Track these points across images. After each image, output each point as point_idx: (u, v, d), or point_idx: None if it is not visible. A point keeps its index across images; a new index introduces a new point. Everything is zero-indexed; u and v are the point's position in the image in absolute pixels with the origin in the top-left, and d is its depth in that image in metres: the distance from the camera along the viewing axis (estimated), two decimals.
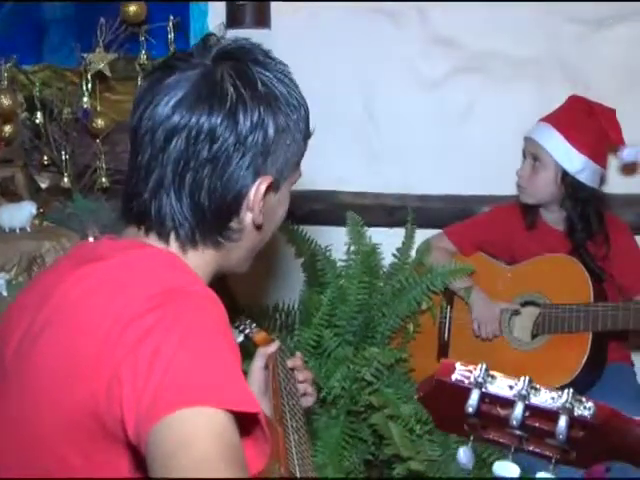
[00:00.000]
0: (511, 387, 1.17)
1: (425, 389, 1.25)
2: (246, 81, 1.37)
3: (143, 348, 1.16)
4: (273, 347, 2.03)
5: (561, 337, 2.86)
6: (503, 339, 2.97)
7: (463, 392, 1.19)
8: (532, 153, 2.95)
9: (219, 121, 1.34)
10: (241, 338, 2.14)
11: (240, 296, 3.15)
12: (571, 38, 3.31)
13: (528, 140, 2.97)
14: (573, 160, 2.88)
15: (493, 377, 1.20)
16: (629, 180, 3.31)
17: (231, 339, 1.25)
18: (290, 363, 2.03)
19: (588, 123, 2.92)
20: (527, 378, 1.17)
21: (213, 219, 1.40)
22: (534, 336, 2.95)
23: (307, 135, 1.47)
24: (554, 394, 1.15)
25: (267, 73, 1.40)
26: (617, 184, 3.26)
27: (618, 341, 3.00)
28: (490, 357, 2.94)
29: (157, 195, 1.38)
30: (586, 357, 2.79)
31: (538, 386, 1.16)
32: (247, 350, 2.00)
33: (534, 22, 3.31)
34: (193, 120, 1.34)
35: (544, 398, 1.15)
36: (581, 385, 2.79)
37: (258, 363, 2.00)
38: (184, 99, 1.35)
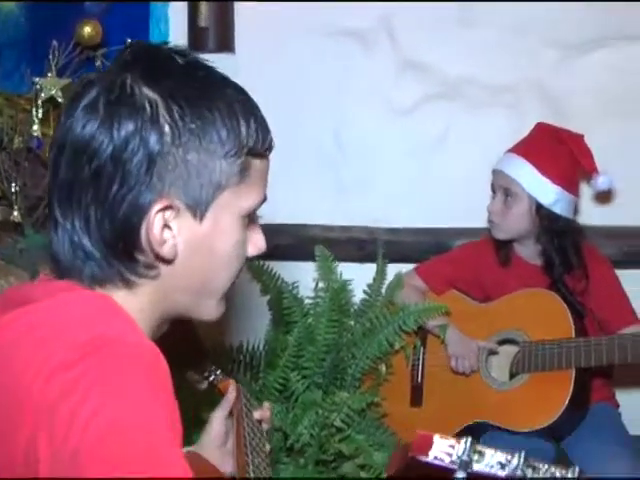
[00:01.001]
0: (503, 465, 0.99)
1: (396, 466, 1.05)
2: (128, 89, 1.20)
3: (61, 410, 1.03)
4: (235, 393, 1.85)
5: (542, 376, 2.72)
6: (480, 379, 2.82)
7: (444, 474, 0.99)
8: (503, 187, 2.81)
9: (94, 131, 1.18)
10: (205, 385, 1.96)
11: (201, 337, 2.97)
12: (549, 64, 3.22)
13: (497, 173, 2.84)
14: (547, 192, 2.77)
15: (481, 453, 1.00)
16: (608, 211, 3.20)
17: (166, 397, 1.10)
18: (257, 414, 1.85)
19: (558, 151, 2.82)
20: (523, 453, 0.99)
21: (114, 252, 1.22)
22: (512, 375, 2.80)
23: (239, 152, 1.25)
24: (557, 471, 0.97)
25: (166, 81, 1.22)
26: (595, 215, 3.13)
27: (602, 380, 2.87)
28: (468, 399, 2.82)
29: (58, 227, 1.23)
30: (569, 396, 2.65)
31: (536, 463, 0.98)
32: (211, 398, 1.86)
33: (510, 47, 3.22)
34: (71, 133, 1.20)
35: (543, 476, 0.97)
36: (564, 427, 2.70)
37: (220, 412, 1.81)
38: (69, 112, 1.22)
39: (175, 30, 3.32)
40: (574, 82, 3.23)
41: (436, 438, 1.00)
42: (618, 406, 2.94)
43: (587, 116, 3.19)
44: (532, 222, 2.80)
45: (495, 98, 3.25)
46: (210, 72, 1.29)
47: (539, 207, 2.78)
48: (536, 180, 2.76)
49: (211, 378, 1.89)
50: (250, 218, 1.31)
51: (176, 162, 1.20)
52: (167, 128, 1.19)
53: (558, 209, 2.78)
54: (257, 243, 1.35)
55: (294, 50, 3.35)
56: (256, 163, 1.28)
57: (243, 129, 1.25)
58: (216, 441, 1.76)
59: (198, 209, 1.23)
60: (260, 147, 1.28)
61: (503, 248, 2.90)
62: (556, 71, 3.23)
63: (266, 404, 1.92)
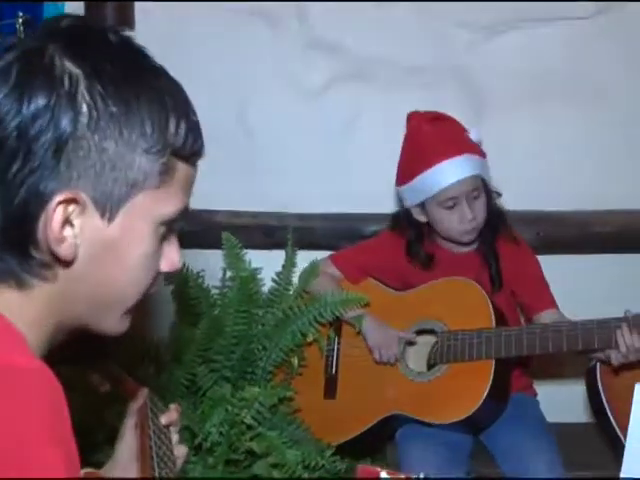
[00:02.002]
0: None
1: None
2: (47, 59, 1.06)
3: None
4: (140, 399, 1.68)
5: (461, 366, 2.64)
6: (398, 371, 2.72)
7: None
8: (468, 191, 2.66)
9: (1, 98, 1.04)
10: (107, 388, 1.79)
11: None
12: (462, 45, 3.14)
13: (462, 182, 2.64)
14: (485, 168, 2.72)
15: None
16: (522, 196, 3.13)
17: (56, 425, 0.98)
18: (164, 419, 1.69)
19: (457, 129, 2.74)
20: None
21: (7, 243, 1.07)
22: (431, 366, 2.71)
23: (163, 151, 1.11)
24: None
25: (93, 57, 1.08)
26: (510, 200, 3.05)
27: (520, 369, 2.81)
28: (384, 391, 2.71)
29: None
30: (489, 387, 2.57)
31: None
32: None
33: (423, 27, 3.12)
34: None
35: None
36: (484, 418, 2.63)
37: (130, 421, 1.65)
38: None
39: (71, 3, 3.12)
40: (488, 63, 3.16)
41: (383, 475, 0.86)
42: (536, 395, 2.89)
43: (501, 97, 3.14)
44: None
45: (409, 79, 3.15)
46: (144, 57, 1.16)
47: (487, 187, 2.73)
48: (482, 164, 2.70)
49: (113, 379, 1.72)
50: (168, 229, 1.17)
51: (89, 149, 1.05)
52: (85, 108, 1.04)
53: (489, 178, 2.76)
54: (171, 258, 1.21)
55: (197, 28, 3.19)
56: (181, 167, 1.14)
57: (171, 126, 1.11)
58: (130, 453, 1.60)
59: (108, 208, 1.08)
60: (188, 150, 1.14)
61: (421, 253, 2.79)
62: (469, 52, 3.16)
63: (173, 406, 1.75)
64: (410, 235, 2.80)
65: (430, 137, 2.69)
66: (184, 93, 1.17)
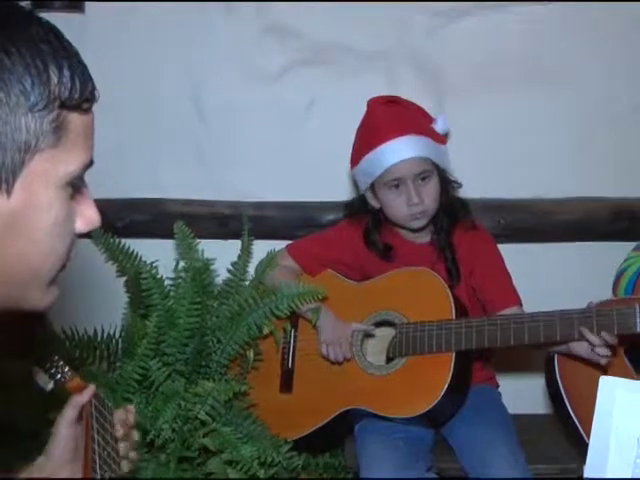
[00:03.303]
0: None
1: None
2: None
3: None
4: (86, 395, 1.59)
5: (420, 359, 2.57)
6: (355, 364, 2.65)
7: None
8: (415, 173, 2.60)
9: None
10: (51, 385, 1.69)
11: (48, 323, 2.71)
12: (421, 30, 3.08)
13: (407, 162, 2.58)
14: (443, 155, 2.66)
15: None
16: (483, 184, 3.09)
17: None
18: (118, 419, 1.60)
19: (418, 113, 2.69)
20: None
21: None
22: (390, 359, 2.64)
23: (50, 105, 1.01)
24: None
25: None
26: (470, 188, 3.00)
27: (482, 361, 2.76)
28: (342, 384, 2.65)
29: None
30: (449, 379, 2.50)
31: None
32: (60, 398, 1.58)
33: (381, 12, 3.05)
34: None
35: None
36: (445, 410, 2.57)
37: (68, 417, 1.54)
38: None
39: None
40: (446, 49, 3.11)
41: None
42: (498, 386, 2.85)
43: (461, 84, 3.10)
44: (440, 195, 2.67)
45: (366, 65, 3.09)
46: (10, 6, 1.04)
47: (442, 175, 2.67)
48: (434, 148, 2.63)
49: (58, 376, 1.62)
50: (75, 187, 1.08)
51: None
52: None
53: (447, 167, 2.71)
54: (87, 216, 1.12)
55: (149, 11, 3.10)
56: (75, 118, 1.04)
57: (54, 76, 1.01)
58: (66, 455, 1.51)
59: (2, 180, 0.99)
60: (78, 98, 1.03)
61: (378, 241, 2.74)
62: (426, 38, 3.10)
63: (129, 407, 1.67)
64: (367, 222, 2.74)
65: (380, 118, 2.65)
66: (61, 36, 1.05)
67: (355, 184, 2.86)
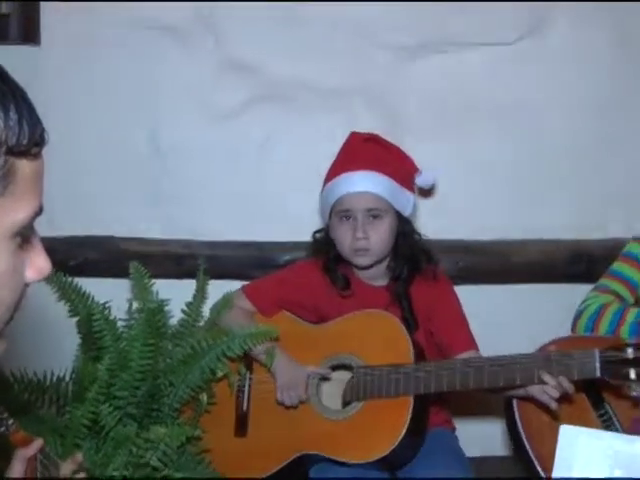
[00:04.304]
0: None
1: None
2: None
3: None
4: (32, 449, 1.53)
5: (377, 402, 2.52)
6: (311, 408, 2.59)
7: None
8: (365, 208, 2.59)
9: None
10: None
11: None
12: (380, 68, 3.09)
13: (358, 195, 2.58)
14: (406, 201, 2.65)
15: None
16: (441, 225, 3.07)
17: None
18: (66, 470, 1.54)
19: (393, 156, 2.67)
20: None
21: None
22: (347, 403, 2.59)
23: None
24: None
25: None
26: (429, 229, 2.97)
27: (438, 405, 2.72)
28: (297, 428, 2.58)
29: None
30: (407, 423, 2.45)
31: None
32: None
33: (342, 48, 3.06)
34: None
35: None
36: (403, 454, 2.51)
37: (16, 471, 1.49)
38: None
39: None
40: (407, 87, 3.12)
41: None
42: (454, 429, 2.81)
43: (422, 122, 3.11)
44: (394, 238, 2.64)
45: (326, 102, 3.08)
46: None
47: (399, 218, 2.65)
48: (396, 191, 2.61)
49: (1, 429, 1.55)
50: (23, 236, 1.02)
51: None
52: None
53: (410, 214, 2.70)
54: (38, 265, 1.07)
55: (106, 45, 3.08)
56: (23, 165, 0.98)
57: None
58: None
59: None
60: (27, 143, 0.98)
61: (337, 272, 2.70)
62: (388, 75, 3.11)
63: (77, 456, 1.60)
64: (328, 254, 2.71)
65: (351, 151, 2.66)
66: (6, 76, 0.99)
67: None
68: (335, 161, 2.69)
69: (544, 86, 3.14)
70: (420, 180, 2.70)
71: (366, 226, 2.58)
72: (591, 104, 3.16)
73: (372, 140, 2.68)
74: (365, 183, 2.58)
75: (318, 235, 2.79)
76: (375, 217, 2.59)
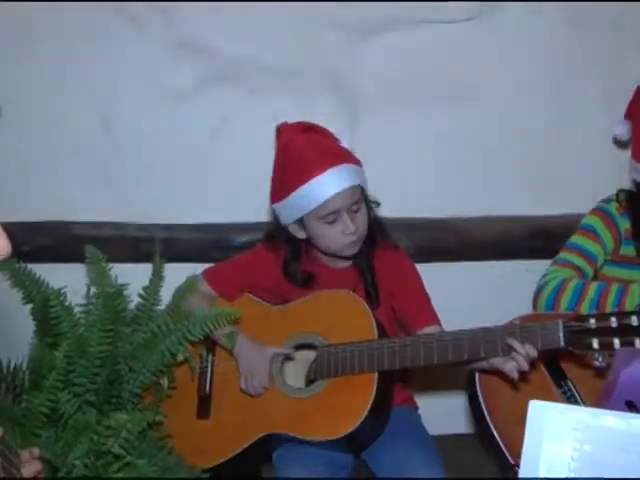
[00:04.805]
0: None
1: None
2: None
3: None
4: None
5: (341, 380, 2.50)
6: (275, 388, 2.57)
7: None
8: (351, 203, 2.52)
9: None
10: None
11: None
12: (334, 46, 3.05)
13: (344, 193, 2.49)
14: (364, 177, 2.57)
15: None
16: (398, 203, 3.06)
17: None
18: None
19: (330, 137, 2.59)
20: None
21: None
22: (311, 382, 2.57)
23: None
24: None
25: None
26: (386, 208, 2.96)
27: (402, 383, 2.72)
28: (261, 409, 2.56)
29: None
30: (372, 400, 2.43)
31: None
32: None
33: (294, 28, 3.02)
34: None
35: None
36: (367, 432, 2.50)
37: None
38: None
39: None
40: (360, 66, 3.09)
41: None
42: (417, 408, 2.81)
43: (375, 101, 3.08)
44: None
45: (279, 82, 3.05)
46: None
47: (367, 200, 2.61)
48: (360, 172, 2.55)
49: None
50: None
51: None
52: None
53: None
54: None
55: (56, 27, 3.01)
56: None
57: None
58: None
59: None
60: None
61: (297, 274, 2.67)
62: (341, 54, 3.08)
63: (35, 451, 1.57)
64: (287, 253, 2.67)
65: (304, 150, 2.51)
66: None
67: (273, 214, 2.74)
68: (291, 165, 2.54)
69: (497, 65, 3.14)
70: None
71: (353, 218, 2.53)
72: (544, 83, 3.17)
73: (312, 130, 2.58)
74: (341, 180, 2.49)
75: (274, 235, 2.71)
76: (357, 209, 2.54)
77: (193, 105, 3.07)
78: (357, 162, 2.56)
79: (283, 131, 2.57)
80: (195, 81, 3.05)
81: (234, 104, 3.07)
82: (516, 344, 2.31)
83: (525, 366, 2.32)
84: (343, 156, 2.53)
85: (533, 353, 2.32)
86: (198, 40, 3.02)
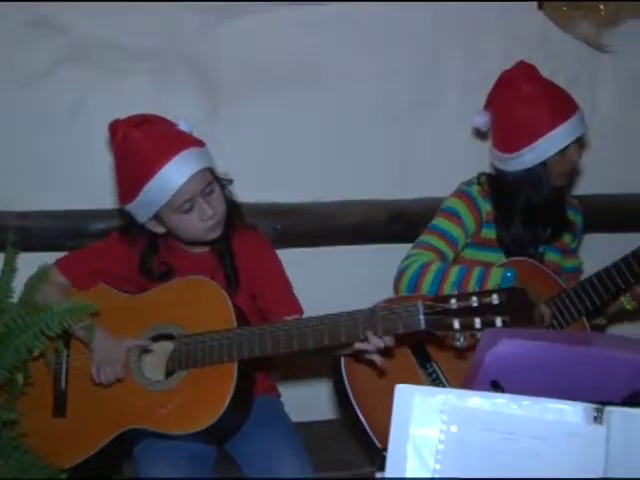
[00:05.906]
0: None
1: None
2: None
3: None
4: None
5: (201, 371, 2.45)
6: (133, 381, 2.50)
7: None
8: (203, 186, 2.45)
9: None
10: None
11: None
12: (192, 28, 3.01)
13: (195, 178, 2.42)
14: (211, 157, 2.52)
15: None
16: (260, 189, 3.03)
17: None
18: None
19: (168, 124, 2.53)
20: None
21: None
22: (170, 374, 2.51)
23: None
24: None
25: None
26: (248, 193, 2.92)
27: (264, 372, 2.70)
28: (119, 404, 2.49)
29: None
30: (233, 390, 2.40)
31: None
32: None
33: (151, 9, 2.95)
34: None
35: None
36: (230, 423, 2.47)
37: None
38: None
39: None
40: (218, 48, 3.06)
41: None
42: (279, 396, 2.80)
43: (234, 84, 3.06)
44: None
45: (136, 64, 2.98)
46: None
47: (219, 180, 2.55)
48: (206, 154, 2.50)
49: None
50: None
51: None
52: None
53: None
54: None
55: None
56: None
57: None
58: None
59: None
60: None
61: (154, 271, 2.61)
62: (199, 36, 3.04)
63: None
64: (143, 249, 2.61)
65: (143, 145, 2.43)
66: None
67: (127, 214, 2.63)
68: (132, 164, 2.45)
69: (356, 49, 3.15)
70: (183, 128, 2.55)
71: (209, 202, 2.47)
72: (403, 67, 3.20)
73: (145, 122, 2.49)
74: (187, 166, 2.42)
75: (130, 232, 2.62)
76: (210, 192, 2.49)
77: (49, 86, 2.98)
78: (200, 143, 2.50)
79: (117, 129, 2.49)
80: (51, 61, 2.96)
81: (90, 86, 3.00)
82: (372, 339, 2.30)
83: (375, 349, 2.31)
84: (184, 142, 2.46)
85: (389, 342, 2.32)
86: (53, 19, 2.93)
